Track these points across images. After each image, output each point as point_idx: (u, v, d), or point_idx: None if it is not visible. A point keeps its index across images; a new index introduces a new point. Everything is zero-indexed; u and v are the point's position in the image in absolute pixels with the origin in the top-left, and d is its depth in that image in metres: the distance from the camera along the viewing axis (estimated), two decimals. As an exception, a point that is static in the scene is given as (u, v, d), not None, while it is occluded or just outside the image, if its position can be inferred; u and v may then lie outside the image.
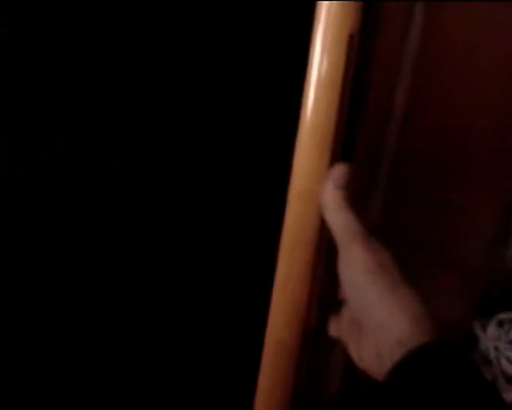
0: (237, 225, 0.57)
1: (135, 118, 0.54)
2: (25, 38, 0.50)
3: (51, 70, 0.51)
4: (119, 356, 0.64)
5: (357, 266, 0.40)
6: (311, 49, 0.42)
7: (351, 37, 0.42)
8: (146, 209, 0.57)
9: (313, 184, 0.43)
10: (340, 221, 0.42)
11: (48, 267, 0.59)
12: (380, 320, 0.39)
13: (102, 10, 0.50)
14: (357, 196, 0.43)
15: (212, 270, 0.59)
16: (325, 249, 0.45)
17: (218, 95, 0.53)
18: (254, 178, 0.55)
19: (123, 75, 0.52)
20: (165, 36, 0.51)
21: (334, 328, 0.47)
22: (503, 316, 0.64)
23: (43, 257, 0.58)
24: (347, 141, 0.46)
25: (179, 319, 0.62)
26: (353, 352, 0.44)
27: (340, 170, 0.42)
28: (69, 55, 0.51)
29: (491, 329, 0.65)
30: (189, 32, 0.51)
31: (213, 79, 0.52)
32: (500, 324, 0.64)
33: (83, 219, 0.57)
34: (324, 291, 0.47)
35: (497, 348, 0.64)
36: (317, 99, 0.42)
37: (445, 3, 0.50)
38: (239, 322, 0.61)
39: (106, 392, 0.65)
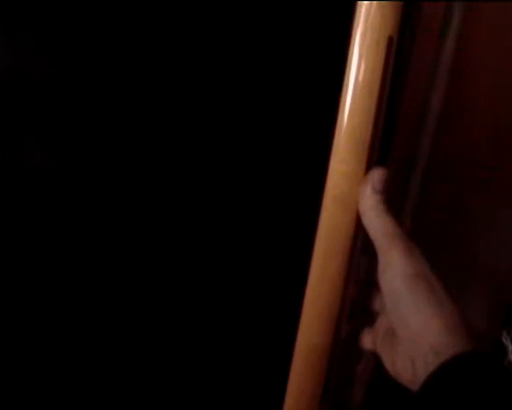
0: (271, 229, 0.57)
1: (159, 121, 0.54)
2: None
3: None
4: (140, 362, 0.64)
5: (396, 272, 0.39)
6: (350, 51, 0.41)
7: (390, 39, 0.41)
8: (176, 214, 0.57)
9: (349, 188, 0.42)
10: (379, 225, 0.41)
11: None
12: (415, 328, 0.38)
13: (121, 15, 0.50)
14: (392, 201, 0.42)
15: (244, 274, 0.59)
16: (360, 255, 0.45)
17: (257, 97, 0.52)
18: (290, 181, 0.55)
19: (144, 78, 0.52)
20: (201, 45, 0.51)
21: (368, 340, 0.46)
22: (530, 327, 0.63)
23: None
24: (383, 145, 0.45)
25: (211, 323, 0.61)
26: (387, 362, 0.43)
27: (378, 174, 0.42)
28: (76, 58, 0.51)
29: (519, 339, 0.64)
30: (221, 32, 0.50)
31: (251, 81, 0.52)
32: (528, 335, 0.63)
33: (93, 220, 0.57)
34: (356, 301, 0.46)
35: (524, 360, 0.63)
36: (354, 102, 0.42)
37: (483, 8, 0.50)
38: (270, 327, 0.61)
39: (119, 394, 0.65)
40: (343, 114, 0.42)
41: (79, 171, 0.55)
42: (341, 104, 0.42)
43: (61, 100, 0.52)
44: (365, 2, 0.41)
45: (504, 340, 0.66)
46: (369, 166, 0.43)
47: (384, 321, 0.45)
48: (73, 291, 0.60)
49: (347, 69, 0.42)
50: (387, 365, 0.43)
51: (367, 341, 0.47)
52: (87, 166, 0.55)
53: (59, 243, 0.58)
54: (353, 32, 0.41)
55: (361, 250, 0.45)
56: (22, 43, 0.51)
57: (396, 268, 0.39)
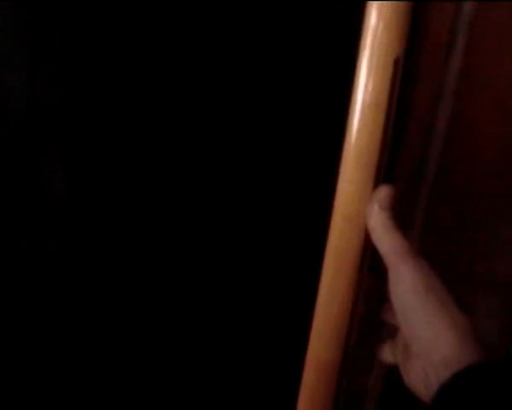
0: (282, 246, 0.57)
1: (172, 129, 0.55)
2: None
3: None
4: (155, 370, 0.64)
5: (406, 288, 0.40)
6: (357, 72, 0.42)
7: (396, 60, 0.42)
8: (194, 226, 0.58)
9: (357, 206, 0.43)
10: (388, 242, 0.42)
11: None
12: (427, 341, 0.39)
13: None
14: (400, 217, 0.43)
15: (256, 289, 0.59)
16: (369, 271, 0.45)
17: (266, 116, 0.53)
18: (299, 200, 0.55)
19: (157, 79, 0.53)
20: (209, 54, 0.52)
21: (389, 353, 0.47)
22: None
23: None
24: (390, 162, 0.45)
25: (221, 337, 0.62)
26: (404, 374, 0.44)
27: (385, 191, 0.43)
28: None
29: (529, 353, 0.64)
30: (236, 53, 0.51)
31: (260, 101, 0.53)
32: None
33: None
34: (367, 315, 0.47)
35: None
36: (362, 121, 0.42)
37: (489, 25, 0.50)
38: (281, 341, 0.61)
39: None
40: (351, 134, 0.43)
41: (97, 189, 0.56)
42: (349, 124, 0.43)
43: (78, 121, 0.54)
44: (372, 23, 0.41)
45: (514, 354, 0.66)
46: (376, 185, 0.43)
47: (401, 333, 0.45)
48: (85, 297, 0.61)
49: (354, 89, 0.42)
50: (404, 377, 0.44)
51: (387, 354, 0.47)
52: (104, 183, 0.56)
53: (77, 257, 0.59)
54: (360, 53, 0.42)
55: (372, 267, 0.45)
56: (46, 67, 0.52)
57: (406, 283, 0.40)
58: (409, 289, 0.40)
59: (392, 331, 0.47)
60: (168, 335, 0.62)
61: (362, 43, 0.42)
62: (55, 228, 0.58)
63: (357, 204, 0.43)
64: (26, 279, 0.60)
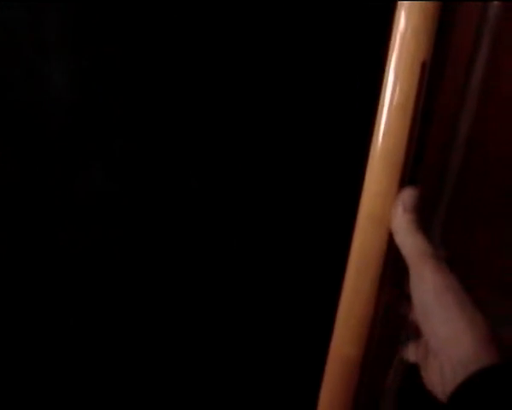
0: (307, 244, 0.58)
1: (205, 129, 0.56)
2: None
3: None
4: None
5: (426, 288, 0.41)
6: (385, 75, 0.43)
7: (423, 64, 0.43)
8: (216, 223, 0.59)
9: (382, 207, 0.44)
10: (410, 243, 0.42)
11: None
12: (446, 342, 0.39)
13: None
14: (423, 218, 0.44)
15: (280, 286, 0.60)
16: (392, 271, 0.46)
17: (293, 118, 0.54)
18: (325, 199, 0.56)
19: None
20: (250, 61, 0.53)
21: (413, 353, 0.48)
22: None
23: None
24: (415, 163, 0.46)
25: (243, 333, 0.63)
26: (423, 374, 0.44)
27: (409, 193, 0.43)
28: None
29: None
30: (268, 59, 0.52)
31: (289, 102, 0.53)
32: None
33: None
34: (388, 314, 0.48)
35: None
36: (388, 124, 0.43)
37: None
38: (304, 337, 0.62)
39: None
40: (377, 135, 0.44)
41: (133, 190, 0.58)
42: (376, 126, 0.44)
43: (118, 123, 0.55)
44: (400, 27, 0.42)
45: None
46: (401, 186, 0.44)
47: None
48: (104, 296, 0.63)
49: (382, 92, 0.43)
50: (423, 376, 0.44)
51: (410, 352, 0.48)
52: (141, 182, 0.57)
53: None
54: (389, 57, 0.43)
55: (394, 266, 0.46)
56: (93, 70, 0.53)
57: (427, 283, 0.41)
58: (429, 288, 0.40)
59: (416, 330, 0.47)
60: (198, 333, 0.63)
61: (390, 47, 0.43)
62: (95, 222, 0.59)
63: (382, 205, 0.44)
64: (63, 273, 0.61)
